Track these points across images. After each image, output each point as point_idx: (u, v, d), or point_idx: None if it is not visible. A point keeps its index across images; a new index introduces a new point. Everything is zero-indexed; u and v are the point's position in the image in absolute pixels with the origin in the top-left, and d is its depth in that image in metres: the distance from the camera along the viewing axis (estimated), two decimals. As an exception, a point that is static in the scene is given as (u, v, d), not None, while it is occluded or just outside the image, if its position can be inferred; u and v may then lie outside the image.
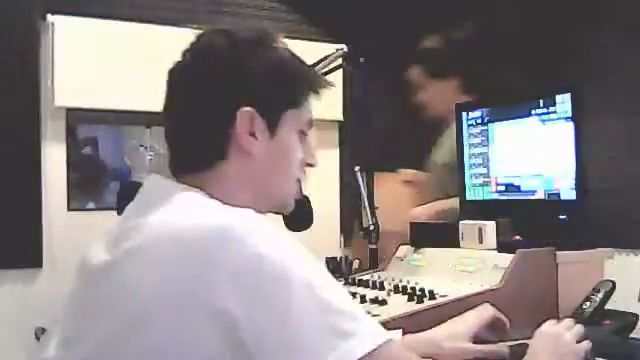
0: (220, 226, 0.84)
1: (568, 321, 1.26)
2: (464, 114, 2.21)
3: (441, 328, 1.34)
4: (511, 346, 1.36)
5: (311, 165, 1.10)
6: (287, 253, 0.84)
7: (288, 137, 1.04)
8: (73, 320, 0.92)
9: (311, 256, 0.87)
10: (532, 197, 1.96)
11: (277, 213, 0.99)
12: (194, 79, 1.01)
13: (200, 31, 1.05)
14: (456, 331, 1.31)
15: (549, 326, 1.24)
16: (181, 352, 0.80)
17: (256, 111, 0.99)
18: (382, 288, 1.78)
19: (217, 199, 0.95)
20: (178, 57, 1.03)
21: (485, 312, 1.39)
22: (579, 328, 1.23)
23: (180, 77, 1.03)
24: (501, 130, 2.09)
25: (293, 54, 1.06)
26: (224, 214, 0.88)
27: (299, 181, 1.09)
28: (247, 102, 0.99)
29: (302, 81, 1.06)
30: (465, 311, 1.45)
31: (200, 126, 1.00)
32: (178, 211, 0.90)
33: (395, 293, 1.71)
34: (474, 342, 1.32)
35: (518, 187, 2.02)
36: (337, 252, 2.98)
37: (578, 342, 1.21)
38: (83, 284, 0.94)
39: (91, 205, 2.97)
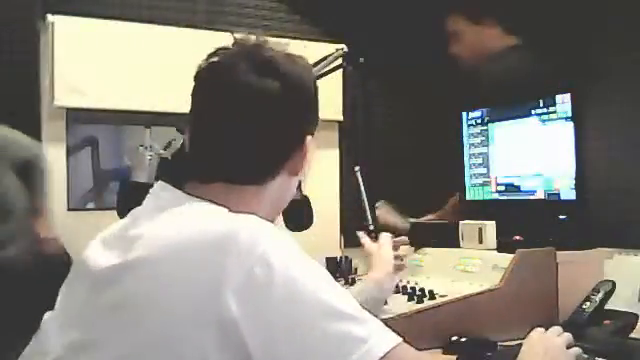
0: (227, 233, 0.82)
1: (557, 328, 1.26)
2: (464, 114, 2.21)
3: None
4: (510, 346, 1.36)
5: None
6: (294, 261, 0.83)
7: (313, 152, 1.03)
8: (81, 323, 0.89)
9: (314, 261, 0.86)
10: (532, 197, 1.96)
11: None
12: (281, 107, 0.97)
13: (278, 52, 1.01)
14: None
15: (538, 332, 1.25)
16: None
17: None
18: (382, 288, 1.78)
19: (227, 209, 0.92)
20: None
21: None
22: (568, 335, 1.24)
23: (264, 100, 0.96)
24: (501, 130, 2.09)
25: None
26: (231, 220, 0.87)
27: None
28: (311, 129, 1.01)
29: (315, 90, 1.05)
30: (465, 311, 1.45)
31: (273, 145, 0.98)
32: (187, 219, 0.89)
33: (395, 293, 1.71)
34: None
35: (518, 187, 2.02)
36: (337, 252, 2.98)
37: (568, 348, 1.22)
38: (88, 289, 0.91)
39: (91, 205, 2.97)
